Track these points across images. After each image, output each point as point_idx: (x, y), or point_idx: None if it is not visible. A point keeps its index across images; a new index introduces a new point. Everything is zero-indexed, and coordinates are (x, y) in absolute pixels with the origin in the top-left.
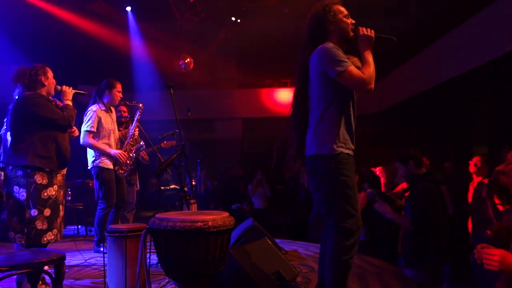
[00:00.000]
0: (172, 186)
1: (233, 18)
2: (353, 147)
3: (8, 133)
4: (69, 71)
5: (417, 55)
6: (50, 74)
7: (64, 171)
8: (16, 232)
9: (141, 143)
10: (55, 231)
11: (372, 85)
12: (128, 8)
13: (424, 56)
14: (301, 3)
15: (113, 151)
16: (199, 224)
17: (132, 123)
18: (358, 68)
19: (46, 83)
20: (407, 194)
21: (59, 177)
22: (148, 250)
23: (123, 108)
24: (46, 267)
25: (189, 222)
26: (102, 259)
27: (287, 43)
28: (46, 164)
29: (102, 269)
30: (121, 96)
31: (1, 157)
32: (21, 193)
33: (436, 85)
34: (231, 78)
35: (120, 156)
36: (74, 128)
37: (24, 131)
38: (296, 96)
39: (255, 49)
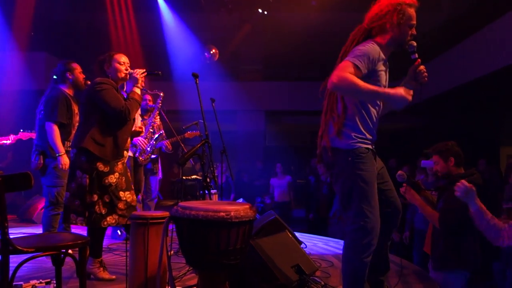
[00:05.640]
0: (194, 177)
1: (260, 10)
2: (373, 140)
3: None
4: (94, 59)
5: (447, 52)
6: (114, 62)
7: (125, 159)
8: (77, 214)
9: (161, 132)
10: (115, 215)
11: (335, 83)
12: None
13: (454, 53)
14: None
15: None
16: (222, 214)
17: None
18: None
19: (109, 70)
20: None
21: (120, 164)
22: (169, 238)
23: (148, 97)
24: (70, 251)
25: (212, 211)
26: (123, 245)
27: (313, 36)
28: (98, 151)
29: (124, 255)
30: (143, 85)
31: (36, 141)
32: (83, 178)
33: (467, 82)
34: (256, 70)
35: (139, 143)
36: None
37: (87, 114)
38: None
39: (280, 42)
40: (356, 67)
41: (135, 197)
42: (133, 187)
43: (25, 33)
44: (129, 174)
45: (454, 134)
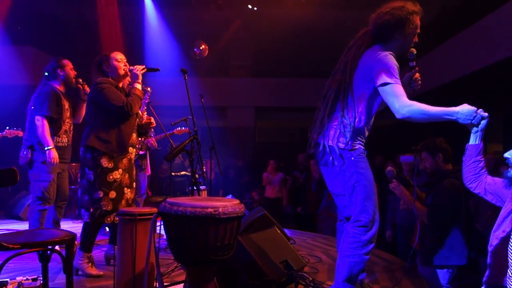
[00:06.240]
0: (183, 173)
1: (250, 6)
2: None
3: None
4: (82, 53)
5: (433, 50)
6: (112, 60)
7: (131, 155)
8: (86, 210)
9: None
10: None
11: (406, 115)
12: None
13: (441, 51)
14: None
15: None
16: (210, 210)
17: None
18: None
19: (108, 70)
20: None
21: (125, 161)
22: (157, 234)
23: None
24: (57, 247)
25: (200, 207)
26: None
27: (303, 33)
28: (104, 147)
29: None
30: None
31: (26, 136)
32: (89, 175)
33: (451, 80)
34: (246, 66)
35: None
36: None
37: (91, 113)
38: (333, 83)
39: (270, 38)
40: (399, 84)
41: (133, 195)
42: (134, 185)
43: (12, 26)
44: (134, 172)
45: (442, 130)
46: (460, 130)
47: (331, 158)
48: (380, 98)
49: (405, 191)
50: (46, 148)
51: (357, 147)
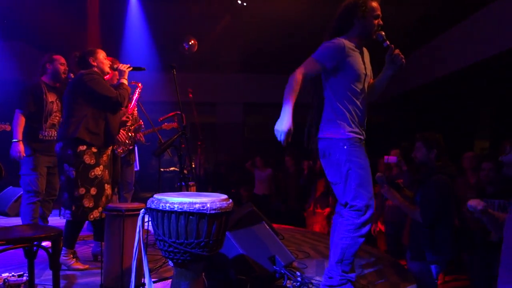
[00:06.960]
0: (172, 168)
1: (239, 1)
2: (363, 133)
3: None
4: (71, 48)
5: (421, 47)
6: (100, 55)
7: (109, 151)
8: (65, 208)
9: (140, 123)
10: (100, 208)
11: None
12: None
13: (428, 48)
14: None
15: None
16: (198, 205)
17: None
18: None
19: (95, 64)
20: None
21: (105, 157)
22: (146, 230)
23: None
24: (44, 243)
25: (188, 203)
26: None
27: (292, 28)
28: (94, 140)
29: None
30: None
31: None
32: (70, 171)
33: (438, 77)
34: (235, 62)
35: (119, 136)
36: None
37: (78, 105)
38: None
39: (260, 33)
40: (315, 60)
41: (111, 191)
42: (110, 181)
43: None
44: (112, 168)
45: (431, 127)
46: (449, 127)
47: (325, 148)
48: (348, 82)
49: (396, 194)
50: (12, 141)
51: (350, 135)
